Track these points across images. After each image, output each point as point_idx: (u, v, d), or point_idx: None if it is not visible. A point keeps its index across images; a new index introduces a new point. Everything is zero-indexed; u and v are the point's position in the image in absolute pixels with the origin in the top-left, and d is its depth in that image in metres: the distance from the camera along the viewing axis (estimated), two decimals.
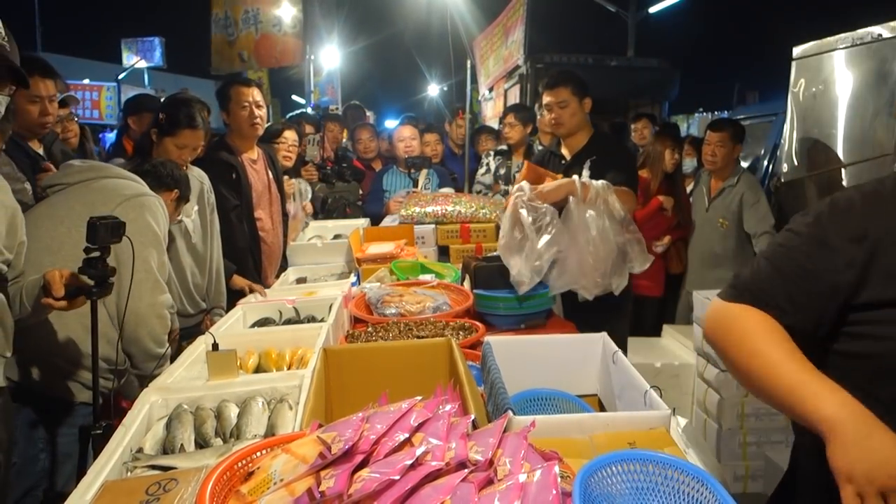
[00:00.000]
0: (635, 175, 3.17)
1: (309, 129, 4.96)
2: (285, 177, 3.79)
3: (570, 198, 2.71)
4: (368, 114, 8.23)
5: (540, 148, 4.73)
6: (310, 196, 4.17)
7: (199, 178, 2.96)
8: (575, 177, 2.74)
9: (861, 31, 3.31)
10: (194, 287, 2.89)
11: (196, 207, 2.89)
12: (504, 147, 4.90)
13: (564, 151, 3.27)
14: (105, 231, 1.76)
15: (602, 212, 2.70)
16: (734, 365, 1.24)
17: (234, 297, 2.91)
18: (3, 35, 1.78)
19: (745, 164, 4.82)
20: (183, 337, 2.64)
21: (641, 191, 4.08)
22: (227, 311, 2.93)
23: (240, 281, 3.20)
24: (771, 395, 1.17)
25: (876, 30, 3.21)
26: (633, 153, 3.23)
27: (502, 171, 4.75)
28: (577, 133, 3.17)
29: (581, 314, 2.78)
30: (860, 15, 3.70)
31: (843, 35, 3.45)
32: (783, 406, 1.15)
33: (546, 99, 3.13)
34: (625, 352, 3.17)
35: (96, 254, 1.78)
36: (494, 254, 3.20)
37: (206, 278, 2.96)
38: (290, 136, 4.06)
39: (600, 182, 2.73)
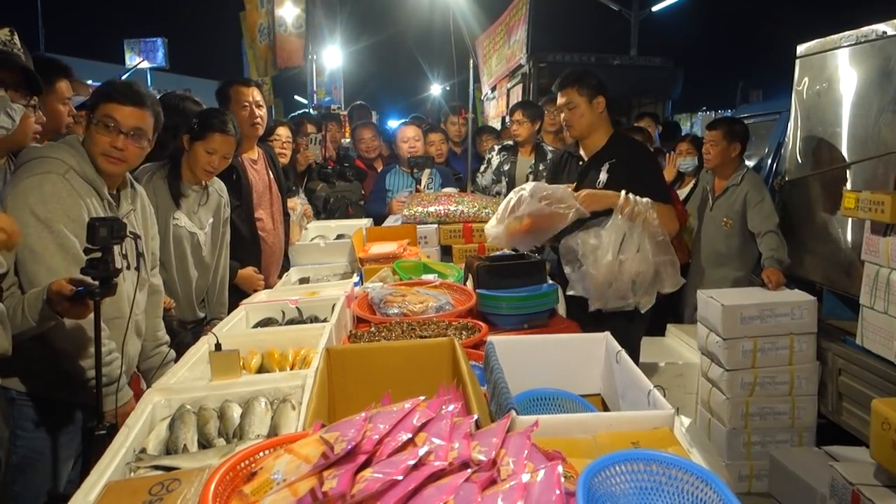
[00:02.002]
0: (664, 184, 3.11)
1: (311, 128, 4.96)
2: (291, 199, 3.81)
3: (617, 215, 2.74)
4: (372, 113, 8.22)
5: (550, 149, 4.71)
6: (306, 221, 4.15)
7: (219, 191, 2.97)
8: (623, 192, 2.75)
9: (865, 29, 3.30)
10: (196, 298, 2.90)
11: (211, 220, 2.90)
12: (510, 143, 4.88)
13: (583, 153, 3.19)
14: (105, 231, 1.76)
15: (642, 231, 2.74)
16: None
17: (237, 297, 2.91)
18: (18, 45, 1.80)
19: (749, 164, 4.82)
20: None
21: None
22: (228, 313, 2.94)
23: (244, 272, 3.23)
24: None
25: (880, 27, 3.19)
26: (655, 156, 3.14)
27: (506, 168, 4.73)
28: (593, 134, 3.07)
29: (594, 322, 2.76)
30: (864, 12, 3.68)
31: (847, 33, 3.44)
32: None
33: (557, 101, 3.07)
34: (637, 355, 3.21)
35: (97, 254, 1.77)
36: (497, 253, 3.20)
37: (206, 288, 2.97)
38: (283, 132, 4.06)
39: (645, 200, 2.73)
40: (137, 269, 2.22)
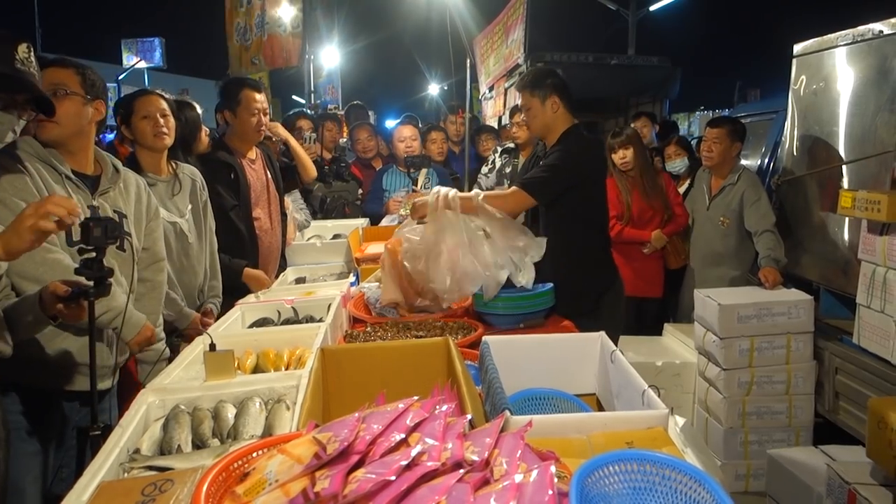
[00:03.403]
0: (545, 174, 2.86)
1: (305, 124, 4.96)
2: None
3: (446, 213, 2.57)
4: (369, 113, 8.22)
5: None
6: (302, 223, 4.13)
7: (190, 174, 2.92)
8: (436, 188, 2.65)
9: (862, 28, 3.30)
10: (196, 287, 2.89)
11: (190, 206, 2.87)
12: (511, 145, 4.88)
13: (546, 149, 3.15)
14: (100, 231, 1.75)
15: (476, 224, 2.59)
16: None
17: (235, 296, 2.90)
18: (34, 64, 1.79)
19: (746, 163, 4.82)
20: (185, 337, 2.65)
21: (614, 191, 4.05)
22: (221, 307, 2.92)
23: (252, 272, 3.22)
24: None
25: (877, 26, 3.19)
26: (569, 154, 2.99)
27: (507, 170, 4.74)
28: (551, 133, 3.00)
29: (569, 314, 2.75)
30: (861, 12, 3.68)
31: (843, 32, 3.44)
32: None
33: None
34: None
35: (91, 254, 1.77)
36: None
37: (203, 275, 2.96)
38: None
39: (474, 193, 2.66)
40: (121, 248, 2.21)
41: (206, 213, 2.99)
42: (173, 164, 2.86)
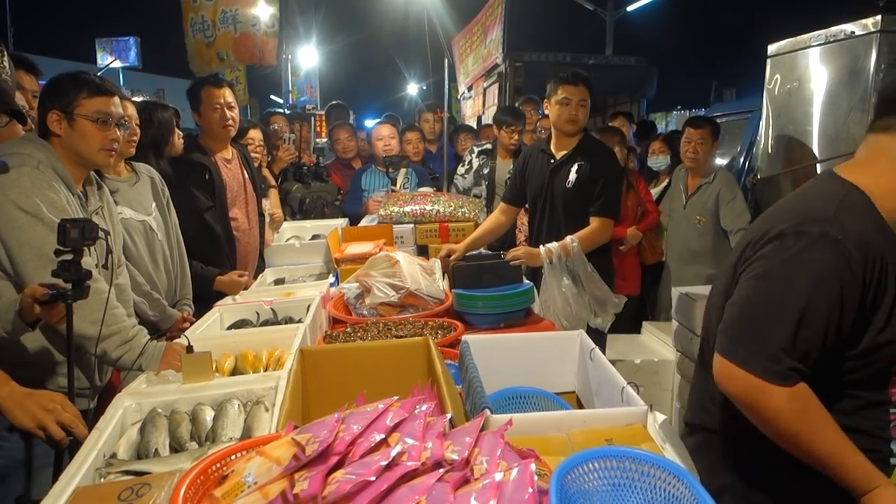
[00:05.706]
0: (618, 192, 3.34)
1: (280, 121, 4.92)
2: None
3: (544, 266, 3.09)
4: (350, 113, 8.18)
5: None
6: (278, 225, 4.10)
7: (147, 173, 2.85)
8: (541, 248, 3.08)
9: (834, 29, 3.35)
10: (170, 282, 2.85)
11: (154, 204, 2.81)
12: (488, 146, 4.86)
13: (553, 149, 3.30)
14: (76, 233, 1.72)
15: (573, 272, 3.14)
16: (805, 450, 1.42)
17: (215, 298, 2.87)
18: (7, 68, 1.76)
19: (722, 162, 4.86)
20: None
21: None
22: (196, 314, 2.88)
23: (223, 278, 3.15)
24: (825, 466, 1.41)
25: (849, 27, 3.24)
26: (617, 162, 3.38)
27: (485, 171, 4.73)
28: (577, 132, 3.25)
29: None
30: (833, 13, 3.74)
31: (816, 32, 3.49)
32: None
33: (565, 94, 3.17)
34: (602, 350, 3.30)
35: (69, 256, 1.74)
36: (474, 253, 3.20)
37: (176, 273, 2.92)
38: (255, 136, 4.00)
39: (567, 241, 3.10)
40: (107, 266, 2.18)
41: (170, 209, 2.94)
42: (130, 165, 2.80)
